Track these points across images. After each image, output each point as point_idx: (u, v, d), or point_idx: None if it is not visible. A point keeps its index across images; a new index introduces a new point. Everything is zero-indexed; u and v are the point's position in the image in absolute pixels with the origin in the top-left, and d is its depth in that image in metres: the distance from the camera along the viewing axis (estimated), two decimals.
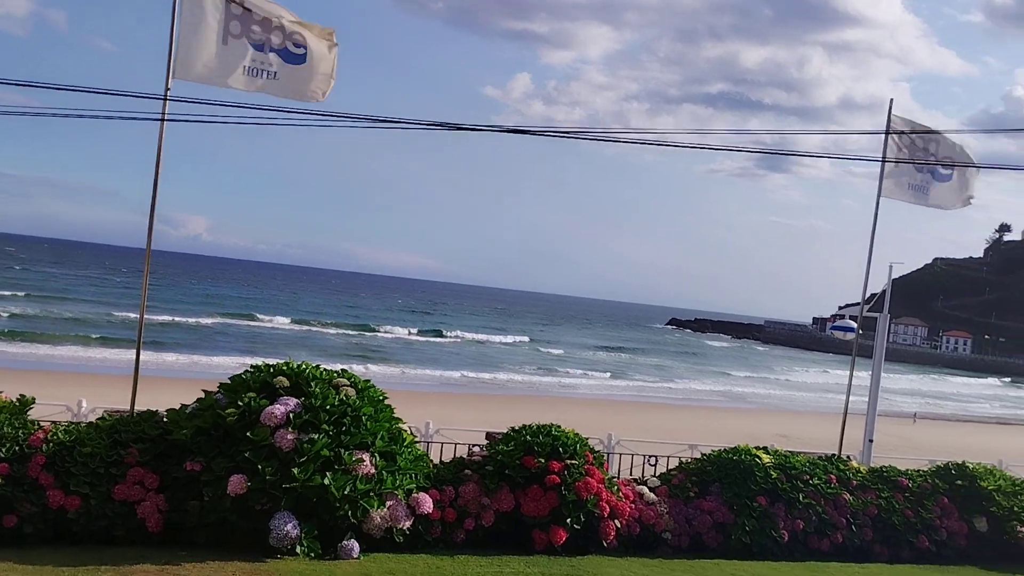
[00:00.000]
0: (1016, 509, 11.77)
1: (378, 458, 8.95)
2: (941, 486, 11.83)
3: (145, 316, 10.85)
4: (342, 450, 8.70)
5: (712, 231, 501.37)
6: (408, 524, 8.93)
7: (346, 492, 8.54)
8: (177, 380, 27.50)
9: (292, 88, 10.33)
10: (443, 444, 11.42)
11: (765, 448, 11.47)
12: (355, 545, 8.59)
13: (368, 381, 9.67)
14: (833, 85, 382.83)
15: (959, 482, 11.88)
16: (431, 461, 10.13)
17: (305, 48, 10.35)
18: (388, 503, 8.85)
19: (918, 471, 12.19)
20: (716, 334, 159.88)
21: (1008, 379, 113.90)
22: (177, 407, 9.18)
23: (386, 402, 9.52)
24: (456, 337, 74.59)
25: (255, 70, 10.15)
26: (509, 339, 79.57)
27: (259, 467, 8.34)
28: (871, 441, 14.37)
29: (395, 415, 9.59)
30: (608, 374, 57.75)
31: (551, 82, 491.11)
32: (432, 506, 9.12)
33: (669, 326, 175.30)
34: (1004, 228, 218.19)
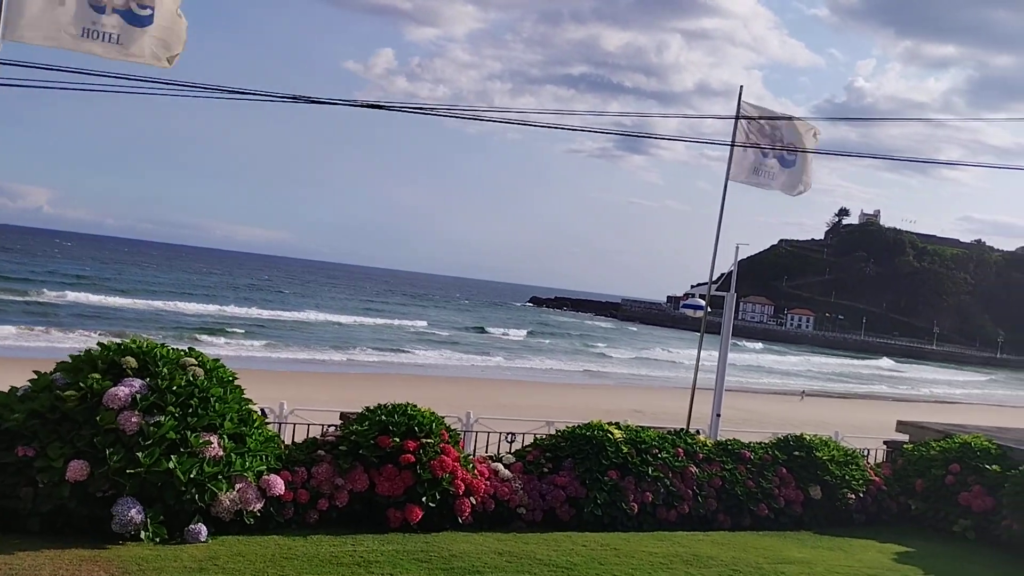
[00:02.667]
0: (847, 477, 12.51)
1: (227, 440, 8.70)
2: (780, 457, 12.42)
3: None
4: (189, 432, 8.41)
5: (573, 211, 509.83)
6: (259, 506, 8.73)
7: (193, 475, 8.27)
8: (6, 360, 26.01)
9: (136, 52, 9.78)
10: (296, 425, 11.21)
11: (617, 424, 11.76)
12: (203, 529, 8.34)
13: (217, 360, 9.37)
14: (690, 71, 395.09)
15: (797, 453, 12.51)
16: (283, 442, 9.94)
17: (152, 9, 9.81)
18: (238, 486, 8.62)
19: (760, 443, 12.76)
20: (575, 312, 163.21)
21: (897, 359, 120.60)
22: (6, 389, 8.65)
23: (236, 383, 9.26)
24: (313, 315, 73.19)
25: (94, 32, 9.54)
26: (370, 318, 78.78)
27: (106, 453, 7.97)
28: (719, 416, 14.93)
29: (246, 396, 9.33)
30: (468, 352, 58.06)
31: (414, 59, 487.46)
32: (284, 488, 8.94)
33: (529, 304, 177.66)
34: (843, 212, 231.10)
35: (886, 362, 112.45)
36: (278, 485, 8.89)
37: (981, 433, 13.65)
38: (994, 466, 12.32)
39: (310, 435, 10.38)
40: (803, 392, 50.49)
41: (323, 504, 9.23)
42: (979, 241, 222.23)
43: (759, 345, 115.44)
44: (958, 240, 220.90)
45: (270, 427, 10.06)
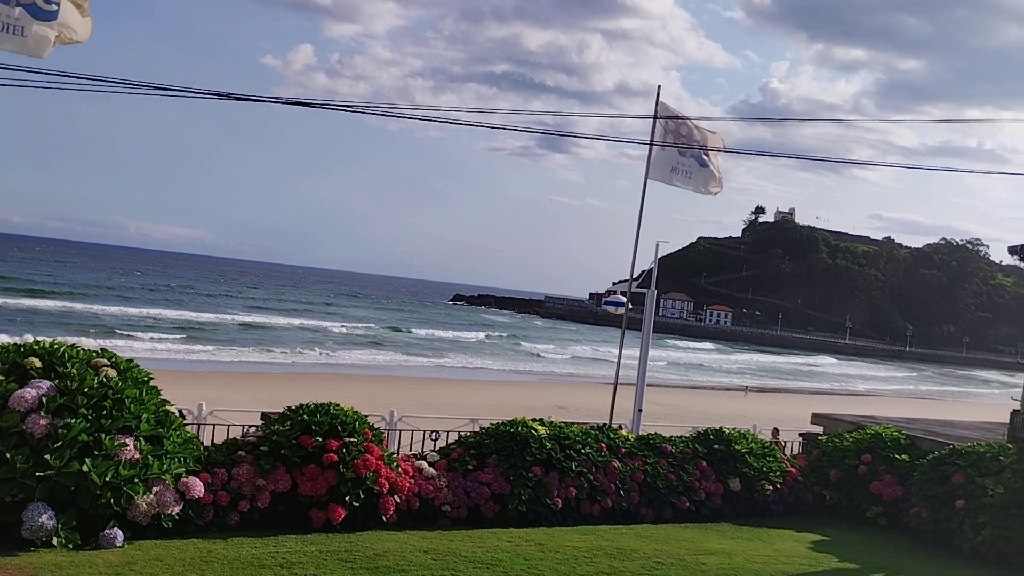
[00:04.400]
0: (764, 469, 12.82)
1: (143, 442, 8.49)
2: (701, 450, 12.66)
3: None
4: (103, 435, 8.18)
5: (496, 209, 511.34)
6: (177, 509, 8.54)
7: (108, 479, 8.05)
8: None
9: (41, 46, 9.47)
10: (216, 426, 11.01)
11: (541, 420, 11.83)
12: (119, 533, 8.13)
13: (131, 361, 9.14)
14: (611, 71, 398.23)
15: (716, 446, 12.76)
16: (202, 444, 9.74)
17: (58, 4, 9.52)
18: (155, 489, 8.42)
19: (680, 437, 12.99)
20: (499, 309, 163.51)
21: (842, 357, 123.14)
22: None
23: (152, 383, 9.04)
24: (233, 315, 71.83)
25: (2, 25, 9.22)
26: (292, 317, 77.64)
27: (7, 456, 7.71)
28: (640, 411, 15.16)
29: (163, 397, 9.12)
30: (392, 350, 57.70)
31: (335, 55, 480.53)
32: (203, 490, 8.77)
33: (453, 302, 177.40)
34: (759, 210, 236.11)
35: (825, 359, 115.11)
36: (197, 487, 8.71)
37: (891, 424, 14.12)
38: (903, 456, 12.76)
39: (230, 436, 10.20)
40: (746, 388, 51.54)
41: (244, 506, 9.08)
42: (888, 238, 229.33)
43: (708, 344, 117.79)
44: (869, 237, 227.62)
45: (188, 428, 9.85)
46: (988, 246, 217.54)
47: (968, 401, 62.31)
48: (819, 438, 14.31)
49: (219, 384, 29.76)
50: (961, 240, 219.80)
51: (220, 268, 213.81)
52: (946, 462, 11.95)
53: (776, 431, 15.15)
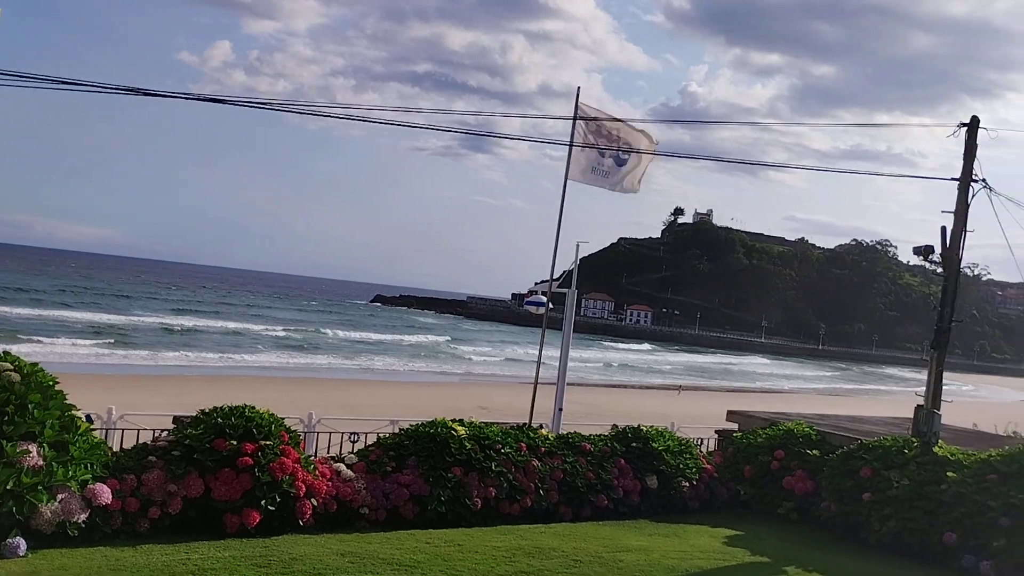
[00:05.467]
0: (681, 467, 13.01)
1: (47, 448, 8.21)
2: (619, 448, 12.79)
3: None
4: (4, 441, 7.89)
5: (417, 209, 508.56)
6: (84, 517, 8.28)
7: (10, 487, 7.78)
8: None
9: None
10: (126, 431, 10.71)
11: (461, 420, 11.81)
12: (21, 543, 7.84)
13: (36, 365, 8.82)
14: (533, 72, 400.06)
15: (634, 444, 12.91)
16: (111, 449, 9.46)
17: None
18: (60, 496, 8.15)
19: (599, 436, 13.10)
20: (421, 310, 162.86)
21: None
22: None
23: (57, 387, 8.74)
24: (151, 316, 69.99)
25: None
26: (208, 319, 75.98)
27: None
28: (560, 410, 15.24)
29: (69, 401, 8.83)
30: (310, 352, 56.97)
31: (253, 52, 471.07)
32: (111, 496, 8.52)
33: (374, 303, 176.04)
34: (678, 211, 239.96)
35: (756, 359, 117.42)
36: (104, 494, 8.45)
37: (803, 420, 14.49)
38: (814, 451, 13.10)
39: (141, 441, 9.92)
40: (680, 387, 52.29)
41: (154, 512, 8.86)
42: (802, 239, 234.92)
43: (647, 345, 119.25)
44: (784, 239, 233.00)
45: (96, 434, 9.56)
46: (896, 247, 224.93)
47: (877, 397, 64.37)
48: (734, 435, 14.59)
49: (132, 388, 28.99)
50: (871, 241, 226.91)
51: (133, 268, 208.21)
52: (854, 456, 12.32)
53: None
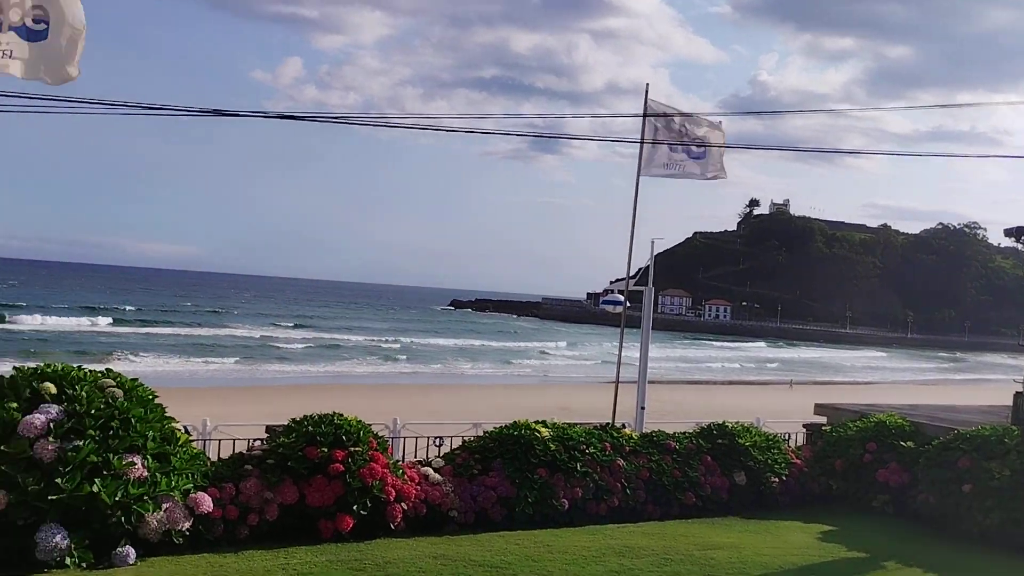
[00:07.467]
0: (770, 462, 12.84)
1: (151, 460, 8.53)
2: (704, 446, 12.68)
3: None
4: (111, 455, 8.22)
5: (489, 212, 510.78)
6: (187, 525, 8.58)
7: (118, 498, 8.10)
8: None
9: (34, 68, 9.51)
10: (221, 441, 11.04)
11: (544, 422, 11.86)
12: (131, 551, 8.17)
13: (136, 380, 9.17)
14: (600, 70, 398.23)
15: (720, 441, 12.79)
16: (209, 459, 9.77)
17: (47, 24, 9.54)
18: (164, 505, 8.46)
19: (684, 433, 13.01)
20: (496, 313, 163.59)
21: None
22: None
23: (156, 401, 9.07)
24: (232, 329, 71.86)
25: None
26: (290, 330, 77.67)
27: (19, 479, 7.74)
28: (643, 408, 15.19)
29: (168, 414, 9.15)
30: (391, 358, 57.70)
31: (323, 67, 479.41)
32: (212, 505, 8.80)
33: (450, 307, 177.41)
34: (754, 203, 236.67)
35: (843, 351, 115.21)
36: (206, 502, 8.74)
37: (895, 411, 14.16)
38: (908, 442, 12.79)
39: (236, 450, 10.22)
40: (791, 381, 52.00)
41: (253, 519, 9.12)
42: (885, 226, 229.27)
43: (726, 340, 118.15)
44: (865, 226, 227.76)
45: (195, 444, 9.89)
46: (986, 229, 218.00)
47: (972, 386, 62.36)
48: (823, 428, 14.34)
49: (222, 400, 29.79)
50: (958, 224, 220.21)
51: (213, 283, 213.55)
52: (951, 447, 11.99)
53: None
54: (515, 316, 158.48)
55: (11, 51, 9.41)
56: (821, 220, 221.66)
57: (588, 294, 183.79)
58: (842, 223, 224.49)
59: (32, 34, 9.51)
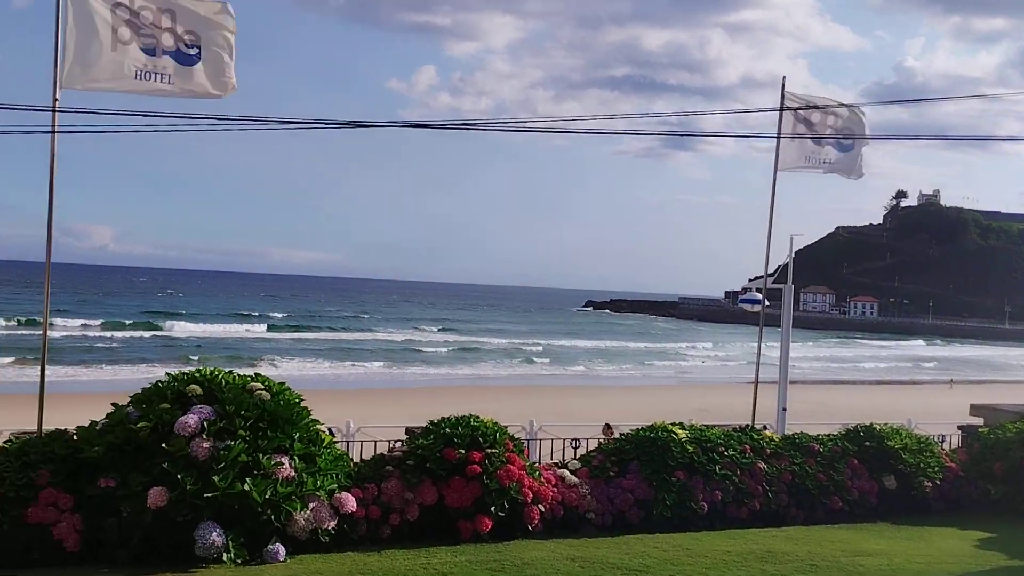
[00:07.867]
0: (922, 465, 12.27)
1: (297, 460, 8.88)
2: (851, 448, 12.24)
3: (49, 332, 10.53)
4: (260, 455, 8.60)
5: (622, 211, 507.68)
6: (333, 524, 8.89)
7: (267, 497, 8.46)
8: (85, 396, 26.71)
9: (189, 89, 10.13)
10: (363, 442, 11.38)
11: (681, 424, 11.71)
12: (281, 548, 8.53)
13: (283, 384, 9.56)
14: (734, 65, 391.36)
15: (867, 443, 12.31)
16: (352, 460, 10.09)
17: (198, 48, 10.14)
18: (311, 505, 8.79)
19: (828, 435, 12.59)
20: (632, 313, 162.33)
21: None
22: (86, 424, 8.95)
23: (302, 404, 9.43)
24: (379, 333, 74.05)
25: (147, 74, 9.91)
26: (429, 334, 79.33)
27: (179, 478, 8.21)
28: (784, 410, 14.81)
29: (313, 416, 9.51)
30: (533, 360, 58.08)
31: (456, 73, 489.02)
32: (355, 504, 9.09)
33: (586, 308, 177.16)
34: (901, 195, 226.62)
35: (1001, 348, 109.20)
36: (350, 502, 9.04)
37: None
38: None
39: (377, 451, 10.52)
40: (951, 380, 50.18)
41: (395, 519, 9.36)
42: None
43: (874, 338, 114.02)
44: None
45: (338, 446, 10.23)
46: None
47: None
48: (980, 430, 13.60)
49: (365, 402, 30.71)
50: None
51: (355, 288, 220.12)
52: None
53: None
54: (652, 316, 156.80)
55: (168, 75, 10.05)
56: (975, 210, 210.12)
57: (726, 292, 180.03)
58: (998, 213, 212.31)
59: (186, 58, 10.12)
